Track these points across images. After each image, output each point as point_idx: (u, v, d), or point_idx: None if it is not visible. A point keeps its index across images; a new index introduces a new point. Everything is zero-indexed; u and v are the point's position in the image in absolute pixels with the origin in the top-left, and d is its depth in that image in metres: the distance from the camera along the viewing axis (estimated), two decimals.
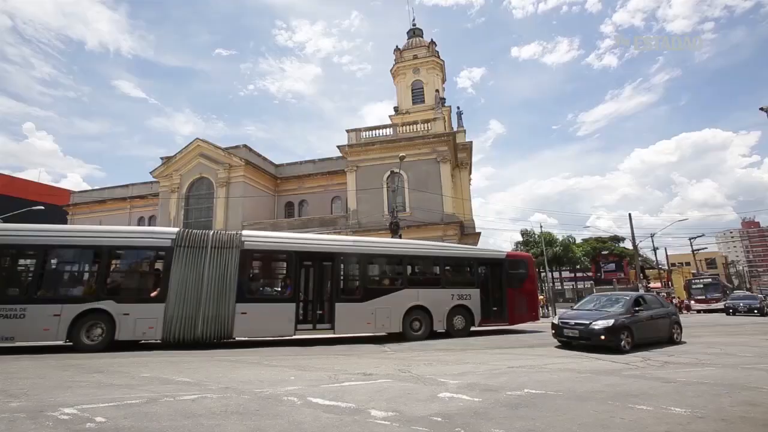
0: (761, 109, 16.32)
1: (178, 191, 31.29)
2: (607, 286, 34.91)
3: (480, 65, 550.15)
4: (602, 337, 9.25)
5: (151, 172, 32.70)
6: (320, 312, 11.77)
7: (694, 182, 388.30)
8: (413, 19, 42.25)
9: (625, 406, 4.68)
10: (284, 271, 11.88)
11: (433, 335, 12.66)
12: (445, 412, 4.48)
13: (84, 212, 39.15)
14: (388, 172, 26.73)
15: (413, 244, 14.34)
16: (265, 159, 33.75)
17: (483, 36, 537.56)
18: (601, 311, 10.33)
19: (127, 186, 38.83)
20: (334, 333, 11.46)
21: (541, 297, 26.25)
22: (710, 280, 34.40)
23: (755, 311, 24.01)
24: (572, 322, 10.15)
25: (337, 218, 28.98)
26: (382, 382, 6.17)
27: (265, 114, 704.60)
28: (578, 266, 48.79)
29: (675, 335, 10.90)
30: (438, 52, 38.22)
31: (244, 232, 11.59)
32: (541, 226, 35.72)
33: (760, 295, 41.35)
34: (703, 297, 31.20)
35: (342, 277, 12.20)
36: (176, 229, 11.29)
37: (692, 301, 32.04)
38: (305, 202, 34.02)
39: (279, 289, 11.79)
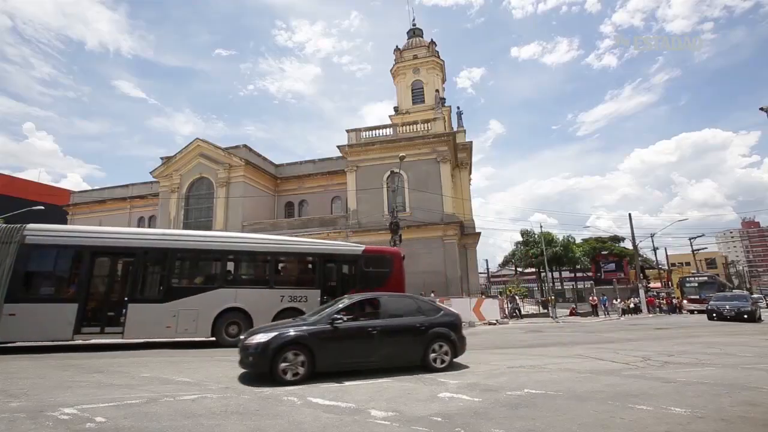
0: (761, 109, 16.32)
1: (178, 191, 31.29)
2: (607, 286, 34.71)
3: (480, 65, 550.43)
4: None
5: (151, 172, 32.71)
6: (111, 314, 10.34)
7: (693, 182, 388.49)
8: (413, 19, 42.26)
9: (625, 406, 4.68)
10: (72, 269, 10.66)
11: None
12: (445, 412, 4.48)
13: (84, 212, 39.16)
14: (388, 172, 26.73)
15: (236, 238, 13.25)
16: (265, 159, 33.76)
17: (483, 36, 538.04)
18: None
19: (127, 186, 38.83)
20: (122, 337, 10.14)
21: (551, 298, 26.21)
22: (706, 278, 32.42)
23: (744, 316, 19.01)
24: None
25: (337, 218, 28.99)
26: (382, 382, 6.17)
27: (265, 114, 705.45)
28: (578, 266, 48.73)
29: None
30: (438, 52, 38.21)
31: (29, 226, 10.39)
32: (541, 226, 35.73)
33: (755, 295, 40.41)
34: (698, 296, 29.12)
35: (140, 275, 10.93)
36: None
37: (685, 301, 30.61)
38: (305, 202, 34.03)
39: (61, 288, 10.51)
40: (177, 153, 31.76)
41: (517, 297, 31.21)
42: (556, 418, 4.25)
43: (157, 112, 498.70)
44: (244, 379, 6.27)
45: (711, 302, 21.57)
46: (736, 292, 28.01)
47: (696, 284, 30.94)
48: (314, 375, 6.15)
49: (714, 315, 19.88)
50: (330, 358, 6.38)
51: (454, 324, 7.44)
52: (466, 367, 7.32)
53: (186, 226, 30.85)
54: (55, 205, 39.31)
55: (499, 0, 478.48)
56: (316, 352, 6.23)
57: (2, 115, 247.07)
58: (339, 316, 6.64)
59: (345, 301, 7.29)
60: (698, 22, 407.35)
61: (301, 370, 6.10)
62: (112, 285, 10.84)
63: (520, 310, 25.55)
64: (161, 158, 32.77)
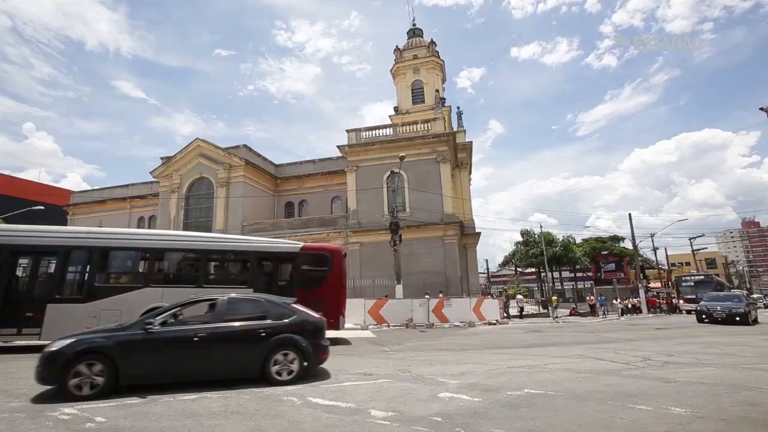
0: (761, 109, 16.31)
1: (178, 191, 31.29)
2: (607, 286, 34.67)
3: (480, 65, 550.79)
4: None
5: (151, 172, 32.71)
6: (29, 315, 9.94)
7: (693, 182, 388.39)
8: (413, 19, 42.23)
9: (625, 406, 4.68)
10: None
11: None
12: (445, 412, 4.48)
13: (84, 212, 39.16)
14: (388, 172, 26.73)
15: (162, 235, 12.84)
16: (265, 159, 33.76)
17: (482, 36, 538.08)
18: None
19: (127, 186, 38.82)
20: (39, 339, 9.58)
21: (555, 298, 26.19)
22: (703, 277, 31.23)
23: (736, 318, 17.12)
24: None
25: (337, 218, 28.99)
26: (382, 382, 6.17)
27: (264, 114, 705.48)
28: (578, 266, 48.78)
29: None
30: (438, 52, 38.20)
31: None
32: (541, 226, 35.77)
33: (755, 295, 39.80)
34: (694, 296, 27.80)
35: (61, 275, 10.64)
36: None
37: (681, 301, 29.62)
38: (305, 202, 34.03)
39: None
40: (177, 153, 31.76)
41: (519, 295, 31.12)
42: (556, 418, 4.25)
43: (157, 112, 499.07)
44: (245, 380, 6.27)
45: (702, 303, 19.90)
46: (734, 291, 25.48)
47: (692, 284, 30.02)
48: (117, 389, 5.36)
49: (704, 317, 17.98)
50: (138, 369, 5.59)
51: (307, 329, 6.43)
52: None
53: (186, 226, 30.86)
54: (55, 205, 39.31)
55: (499, 0, 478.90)
56: (120, 363, 5.39)
57: (2, 115, 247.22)
58: (151, 321, 5.83)
59: (172, 305, 6.46)
60: (698, 22, 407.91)
61: (100, 382, 5.27)
62: (32, 285, 10.48)
63: (522, 309, 25.54)
64: (161, 158, 32.77)
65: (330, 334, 11.29)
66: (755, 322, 18.53)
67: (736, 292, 20.73)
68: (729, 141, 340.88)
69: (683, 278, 32.19)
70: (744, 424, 4.11)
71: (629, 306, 29.42)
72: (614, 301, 29.35)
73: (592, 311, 27.44)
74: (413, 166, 26.13)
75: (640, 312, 29.52)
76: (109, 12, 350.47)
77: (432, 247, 25.34)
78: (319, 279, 11.97)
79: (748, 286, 74.40)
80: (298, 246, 12.42)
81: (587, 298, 29.19)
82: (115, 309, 10.25)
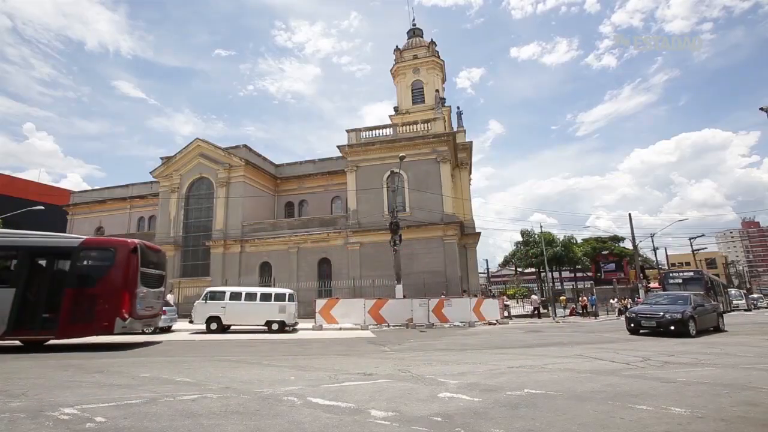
0: (761, 109, 16.33)
1: (178, 191, 31.30)
2: (607, 286, 34.65)
3: (479, 65, 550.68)
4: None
5: (151, 172, 32.72)
6: None
7: (693, 182, 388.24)
8: (413, 19, 42.25)
9: (625, 406, 4.68)
10: None
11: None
12: (445, 412, 4.48)
13: (84, 212, 39.18)
14: (388, 172, 26.75)
15: None
16: (265, 159, 33.77)
17: (482, 36, 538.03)
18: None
19: (127, 186, 38.85)
20: None
21: (563, 298, 26.11)
22: (692, 274, 28.42)
23: (671, 327, 12.68)
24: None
25: (337, 218, 29.00)
26: (382, 382, 6.17)
27: (264, 114, 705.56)
28: (578, 266, 48.84)
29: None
30: (438, 52, 38.22)
31: None
32: (541, 226, 35.80)
33: (755, 295, 38.60)
34: None
35: None
36: None
37: None
38: (305, 202, 34.05)
39: None
40: (177, 153, 31.77)
41: (534, 296, 30.83)
42: (556, 418, 4.25)
43: (156, 112, 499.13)
44: (244, 379, 6.27)
45: (637, 306, 16.47)
46: (681, 293, 17.12)
47: (680, 281, 27.32)
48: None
49: (632, 325, 13.79)
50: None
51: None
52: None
53: (186, 226, 30.90)
54: (55, 205, 39.34)
55: (499, 0, 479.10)
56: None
57: (2, 115, 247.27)
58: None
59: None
60: (697, 22, 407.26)
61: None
62: None
63: (538, 309, 25.47)
64: (161, 158, 32.79)
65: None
66: (718, 330, 14.51)
67: (684, 293, 15.34)
68: (729, 141, 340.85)
69: (670, 275, 29.59)
70: (744, 424, 4.10)
71: (628, 306, 29.33)
72: (611, 301, 29.23)
73: (583, 312, 27.22)
74: (413, 166, 26.14)
75: None
76: (108, 12, 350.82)
77: (432, 247, 25.35)
78: (97, 277, 10.68)
79: (748, 285, 74.41)
80: (79, 240, 11.07)
81: (580, 299, 28.95)
82: None
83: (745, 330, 15.28)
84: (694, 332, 12.75)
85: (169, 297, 19.29)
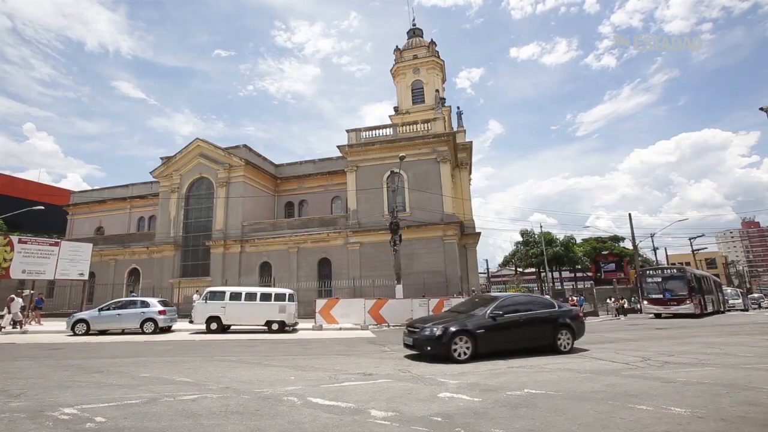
0: (761, 109, 16.34)
1: (178, 191, 31.31)
2: (608, 286, 34.60)
3: (479, 65, 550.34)
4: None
5: (151, 172, 32.72)
6: None
7: (693, 182, 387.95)
8: (413, 20, 42.23)
9: (625, 406, 4.68)
10: None
11: None
12: (445, 412, 4.48)
13: (84, 212, 39.17)
14: (388, 172, 26.75)
15: None
16: (265, 159, 33.78)
17: (482, 36, 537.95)
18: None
19: (127, 186, 38.84)
20: None
21: (571, 298, 25.99)
22: (674, 271, 24.93)
23: (427, 349, 8.25)
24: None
25: (337, 218, 28.99)
26: (382, 382, 6.17)
27: (264, 114, 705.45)
28: (578, 266, 48.84)
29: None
30: (438, 52, 38.21)
31: None
32: (541, 226, 35.86)
33: (755, 294, 37.48)
34: (662, 296, 23.27)
35: None
36: None
37: (645, 301, 24.96)
38: (305, 202, 34.05)
39: None
40: (177, 153, 31.77)
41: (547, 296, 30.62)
42: (556, 418, 4.25)
43: (156, 112, 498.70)
44: (244, 379, 6.27)
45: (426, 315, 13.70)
46: (498, 294, 11.63)
47: (659, 279, 24.12)
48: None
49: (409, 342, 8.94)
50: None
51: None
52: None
53: (186, 226, 30.90)
54: (55, 205, 39.35)
55: (498, 1, 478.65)
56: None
57: (2, 115, 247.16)
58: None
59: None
60: (697, 22, 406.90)
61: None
62: None
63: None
64: (161, 158, 32.78)
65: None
66: (555, 350, 8.98)
67: (499, 295, 10.45)
68: (728, 141, 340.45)
69: (648, 272, 26.00)
70: (744, 424, 4.11)
71: (624, 306, 29.22)
72: (608, 301, 29.10)
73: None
74: (413, 166, 26.14)
75: (639, 311, 29.40)
76: (108, 12, 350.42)
77: (432, 247, 25.35)
78: None
79: (748, 285, 74.39)
80: None
81: (569, 299, 28.71)
82: None
83: (745, 330, 15.28)
84: (466, 356, 8.06)
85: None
